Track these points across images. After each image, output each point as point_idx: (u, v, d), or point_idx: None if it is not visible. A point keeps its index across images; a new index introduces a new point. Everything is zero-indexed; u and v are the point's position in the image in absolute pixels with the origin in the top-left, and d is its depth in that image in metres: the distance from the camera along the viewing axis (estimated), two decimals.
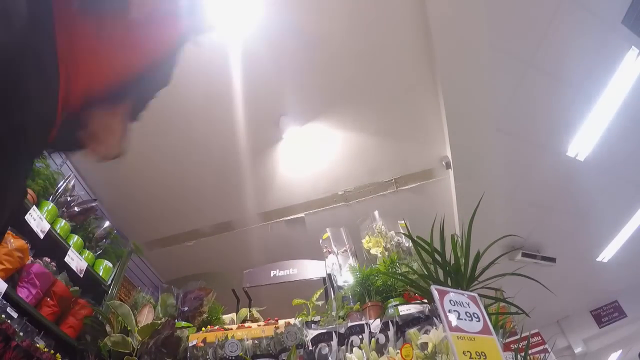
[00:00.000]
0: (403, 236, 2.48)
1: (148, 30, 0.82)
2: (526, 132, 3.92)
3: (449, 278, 1.65)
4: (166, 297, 2.48)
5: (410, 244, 2.36)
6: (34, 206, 2.27)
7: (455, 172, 3.81)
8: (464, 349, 1.06)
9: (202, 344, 2.04)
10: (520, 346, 1.96)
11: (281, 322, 2.19)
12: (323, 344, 1.93)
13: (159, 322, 2.25)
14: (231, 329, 2.17)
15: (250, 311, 2.64)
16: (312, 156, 3.84)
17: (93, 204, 2.95)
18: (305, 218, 4.37)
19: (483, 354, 1.07)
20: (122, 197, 3.87)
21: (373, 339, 1.84)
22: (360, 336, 1.89)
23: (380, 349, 1.79)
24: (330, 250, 2.68)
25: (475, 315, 1.19)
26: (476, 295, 1.29)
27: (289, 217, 4.38)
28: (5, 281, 1.95)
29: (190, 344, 2.06)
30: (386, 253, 2.40)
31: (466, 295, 1.26)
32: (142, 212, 4.08)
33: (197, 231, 4.44)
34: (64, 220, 2.56)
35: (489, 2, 2.73)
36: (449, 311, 1.15)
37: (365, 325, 1.94)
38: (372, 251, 2.43)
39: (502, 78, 3.33)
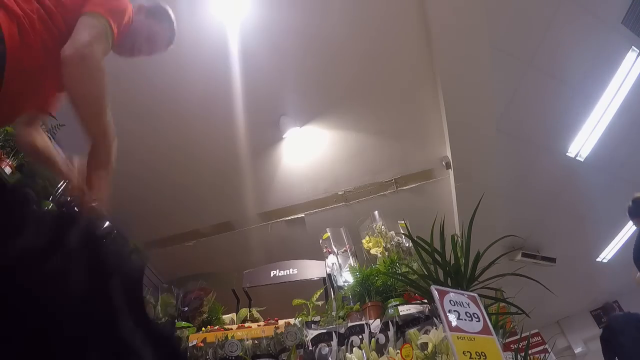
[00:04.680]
0: (403, 236, 2.48)
1: None
2: (526, 132, 3.92)
3: (449, 278, 1.65)
4: (166, 297, 2.48)
5: (410, 244, 2.36)
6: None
7: (455, 172, 3.81)
8: (464, 349, 1.06)
9: (202, 344, 2.04)
10: (520, 346, 1.96)
11: (281, 322, 2.19)
12: (323, 344, 1.93)
13: (159, 322, 2.25)
14: (231, 329, 2.17)
15: (250, 311, 2.64)
16: (312, 156, 3.84)
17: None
18: (305, 218, 4.37)
19: (483, 354, 1.07)
20: (122, 197, 3.87)
21: (373, 339, 1.84)
22: (360, 336, 1.89)
23: (380, 349, 1.79)
24: (330, 250, 2.69)
25: (475, 316, 1.19)
26: (476, 295, 1.29)
27: (289, 217, 4.38)
28: None
29: (190, 344, 2.06)
30: (386, 253, 2.40)
31: (466, 295, 1.26)
32: (142, 212, 4.07)
33: (197, 231, 4.44)
34: None
35: (489, 2, 2.73)
36: (449, 311, 1.15)
37: (365, 326, 1.94)
38: (372, 251, 2.43)
39: (502, 78, 3.33)
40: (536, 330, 5.35)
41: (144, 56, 1.53)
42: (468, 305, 1.21)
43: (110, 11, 1.22)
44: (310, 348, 1.94)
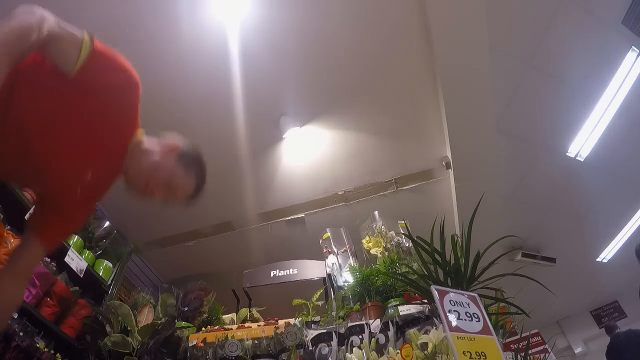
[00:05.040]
0: (403, 236, 2.48)
1: None
2: (526, 132, 3.92)
3: (449, 278, 1.65)
4: (166, 297, 2.48)
5: (410, 244, 2.36)
6: (34, 206, 2.27)
7: (455, 172, 3.81)
8: (464, 349, 1.06)
9: (202, 344, 2.05)
10: (520, 346, 1.96)
11: (281, 322, 2.19)
12: (323, 344, 1.94)
13: (159, 322, 2.25)
14: (231, 329, 2.17)
15: (250, 311, 2.64)
16: (312, 156, 3.84)
17: None
18: (305, 218, 4.36)
19: (483, 354, 1.07)
20: (122, 197, 3.86)
21: (373, 339, 1.84)
22: (360, 336, 1.90)
23: (380, 349, 1.79)
24: (330, 250, 2.69)
25: (475, 316, 1.19)
26: (476, 295, 1.29)
27: (289, 217, 4.38)
28: None
29: (190, 344, 2.06)
30: (386, 253, 2.40)
31: (466, 295, 1.26)
32: (142, 212, 4.07)
33: (197, 231, 4.44)
34: None
35: (489, 2, 2.73)
36: (449, 311, 1.15)
37: (365, 326, 1.94)
38: (372, 251, 2.43)
39: (502, 78, 3.33)
40: (536, 330, 5.35)
41: (158, 201, 1.31)
42: (468, 305, 1.21)
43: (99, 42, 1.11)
44: (310, 348, 1.94)
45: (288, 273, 2.82)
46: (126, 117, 1.26)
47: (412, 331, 1.73)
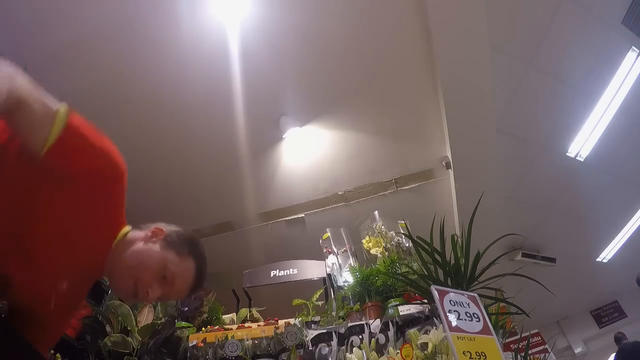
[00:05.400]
0: (403, 236, 2.48)
1: None
2: (526, 132, 3.92)
3: (449, 278, 1.65)
4: None
5: (410, 244, 2.36)
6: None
7: (455, 172, 3.81)
8: (464, 349, 1.06)
9: (202, 344, 2.04)
10: (520, 346, 1.96)
11: (281, 322, 2.19)
12: (323, 344, 1.93)
13: (159, 322, 2.25)
14: (231, 329, 2.17)
15: (250, 311, 2.64)
16: (312, 156, 3.84)
17: None
18: (305, 218, 4.37)
19: (483, 354, 1.07)
20: None
21: (373, 339, 1.84)
22: (360, 336, 1.89)
23: (380, 349, 1.79)
24: (330, 250, 2.68)
25: (475, 316, 1.19)
26: (476, 295, 1.29)
27: (289, 217, 4.38)
28: None
29: (190, 344, 2.06)
30: (386, 253, 2.40)
31: (466, 295, 1.26)
32: (142, 212, 4.07)
33: (197, 231, 4.44)
34: None
35: (489, 2, 2.73)
36: (449, 311, 1.15)
37: (365, 326, 1.94)
38: (372, 251, 2.43)
39: (502, 78, 3.33)
40: (536, 330, 5.35)
41: (154, 301, 1.07)
42: (468, 305, 1.21)
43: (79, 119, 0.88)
44: (310, 348, 1.94)
45: (288, 273, 2.82)
46: (107, 214, 1.02)
47: (412, 331, 1.73)
